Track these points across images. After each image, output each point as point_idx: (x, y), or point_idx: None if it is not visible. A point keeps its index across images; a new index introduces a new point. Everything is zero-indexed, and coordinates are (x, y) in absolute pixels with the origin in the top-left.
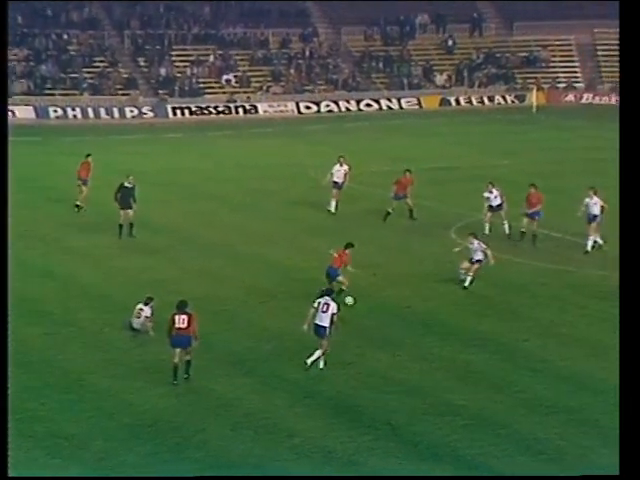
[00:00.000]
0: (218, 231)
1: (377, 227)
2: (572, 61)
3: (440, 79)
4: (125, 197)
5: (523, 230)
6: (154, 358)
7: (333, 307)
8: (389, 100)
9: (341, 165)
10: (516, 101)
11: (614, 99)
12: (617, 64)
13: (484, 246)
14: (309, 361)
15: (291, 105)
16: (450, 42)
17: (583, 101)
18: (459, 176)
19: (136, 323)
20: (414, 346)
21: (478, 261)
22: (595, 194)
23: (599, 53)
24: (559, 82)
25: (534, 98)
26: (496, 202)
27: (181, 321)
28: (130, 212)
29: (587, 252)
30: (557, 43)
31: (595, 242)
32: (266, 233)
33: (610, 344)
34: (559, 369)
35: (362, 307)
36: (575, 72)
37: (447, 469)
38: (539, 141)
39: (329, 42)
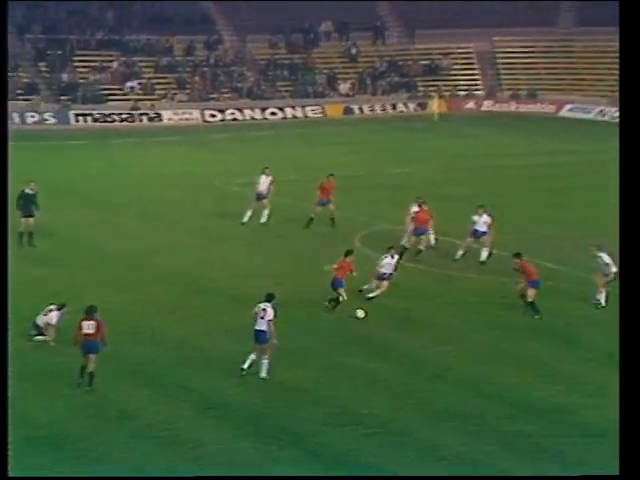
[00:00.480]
0: (122, 240)
1: (284, 236)
2: (472, 69)
3: (344, 87)
4: (27, 204)
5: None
6: (54, 367)
7: (270, 313)
8: (294, 108)
9: (267, 176)
10: (418, 109)
11: (513, 106)
12: (516, 72)
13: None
14: (244, 366)
15: (196, 113)
16: (353, 50)
17: (483, 108)
18: (362, 184)
19: (40, 320)
20: (321, 356)
21: (390, 275)
22: (484, 212)
23: (498, 61)
24: (460, 90)
25: (435, 106)
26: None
27: (89, 327)
28: (31, 220)
29: (483, 262)
30: (458, 51)
31: (491, 253)
32: (172, 242)
33: (510, 350)
34: (461, 376)
35: None
36: (475, 80)
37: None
38: (441, 149)
39: (234, 50)
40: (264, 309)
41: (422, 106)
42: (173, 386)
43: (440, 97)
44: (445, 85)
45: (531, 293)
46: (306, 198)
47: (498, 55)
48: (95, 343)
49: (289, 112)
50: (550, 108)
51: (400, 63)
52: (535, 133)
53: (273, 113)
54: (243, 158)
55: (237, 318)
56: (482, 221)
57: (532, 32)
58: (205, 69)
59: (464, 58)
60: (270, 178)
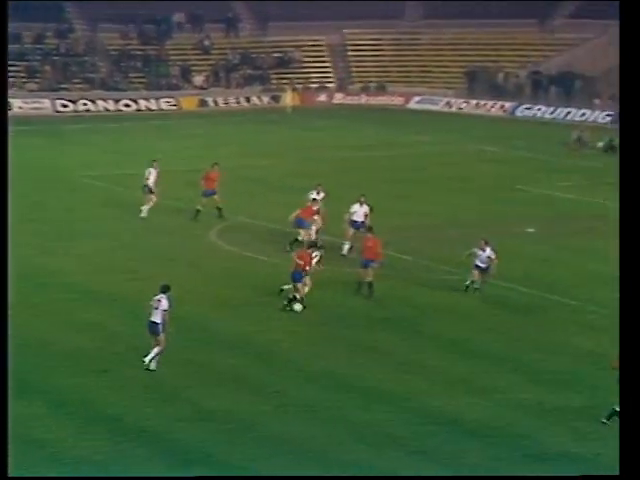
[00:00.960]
0: None
1: (137, 229)
2: (324, 62)
3: (198, 79)
4: None
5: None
6: None
7: (164, 304)
8: (148, 100)
9: (155, 169)
10: (272, 102)
11: (364, 99)
12: (366, 64)
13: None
14: (147, 359)
15: (47, 103)
16: (207, 42)
17: (335, 101)
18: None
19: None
20: (172, 351)
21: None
22: (364, 203)
23: (349, 54)
24: (312, 83)
25: (289, 99)
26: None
27: None
28: None
29: (344, 255)
30: (309, 44)
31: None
32: (17, 235)
33: (362, 340)
34: (314, 370)
35: (117, 311)
36: (327, 73)
37: (203, 471)
38: (295, 141)
39: (85, 39)
40: (159, 300)
41: (275, 99)
42: (21, 384)
43: (293, 90)
44: (298, 78)
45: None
46: (167, 193)
47: (348, 48)
48: None
49: (143, 104)
50: (399, 100)
51: (253, 56)
52: (385, 125)
53: (127, 105)
54: (98, 150)
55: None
56: (362, 212)
57: (381, 25)
58: (56, 58)
59: (316, 51)
60: (158, 170)
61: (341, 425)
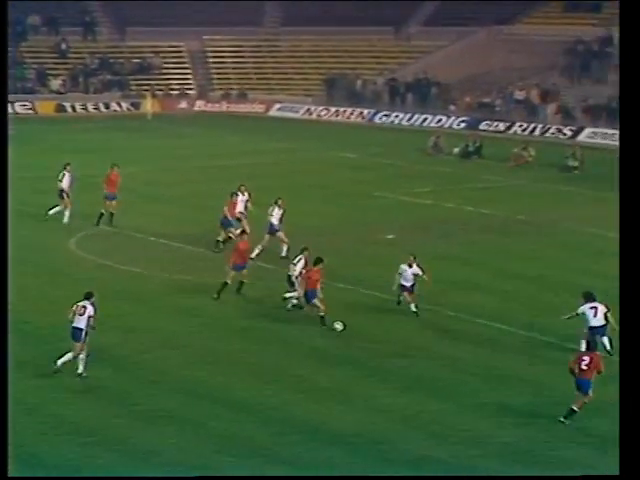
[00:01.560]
0: None
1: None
2: (184, 68)
3: (55, 84)
4: None
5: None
6: None
7: (90, 310)
8: None
9: (68, 172)
10: (132, 108)
11: (225, 106)
12: (226, 71)
13: None
14: (59, 362)
15: None
16: (64, 46)
17: (196, 108)
18: (81, 186)
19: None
20: (31, 364)
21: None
22: (277, 206)
23: (209, 60)
24: (172, 89)
25: (149, 105)
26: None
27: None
28: None
29: (285, 257)
30: (169, 50)
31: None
32: None
33: (227, 351)
34: (177, 379)
35: None
36: (187, 79)
37: None
38: (157, 149)
39: None
40: (84, 306)
41: (135, 105)
42: None
43: (153, 96)
44: (157, 84)
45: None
46: (23, 200)
47: (209, 54)
48: None
49: None
50: (260, 108)
51: (112, 61)
52: (246, 133)
53: None
54: None
55: None
56: (276, 213)
57: (240, 31)
58: None
59: (176, 57)
60: (72, 174)
61: (204, 436)
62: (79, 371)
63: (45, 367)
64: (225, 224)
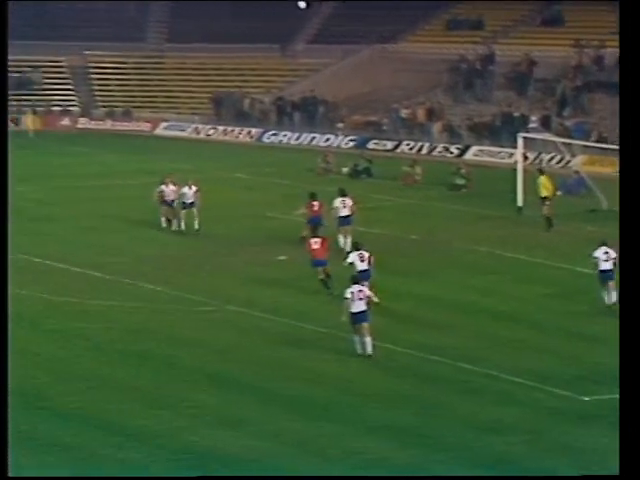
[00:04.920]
0: None
1: None
2: (66, 84)
3: None
4: None
5: None
6: None
7: None
8: None
9: None
10: (12, 124)
11: (109, 124)
12: (110, 88)
13: None
14: None
15: None
16: None
17: (79, 126)
18: None
19: None
20: None
21: None
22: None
23: (92, 76)
24: (54, 106)
25: (30, 122)
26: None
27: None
28: None
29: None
30: (49, 64)
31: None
32: None
33: (116, 376)
34: (66, 406)
35: None
36: (70, 96)
37: None
38: (43, 167)
39: None
40: None
41: (16, 122)
42: None
43: (34, 113)
44: (38, 100)
45: None
46: None
47: (91, 70)
48: None
49: None
50: (146, 126)
51: None
52: (131, 152)
53: None
54: None
55: None
56: (192, 192)
57: (124, 47)
58: None
59: (56, 72)
60: None
61: (94, 465)
62: None
63: None
64: (314, 222)
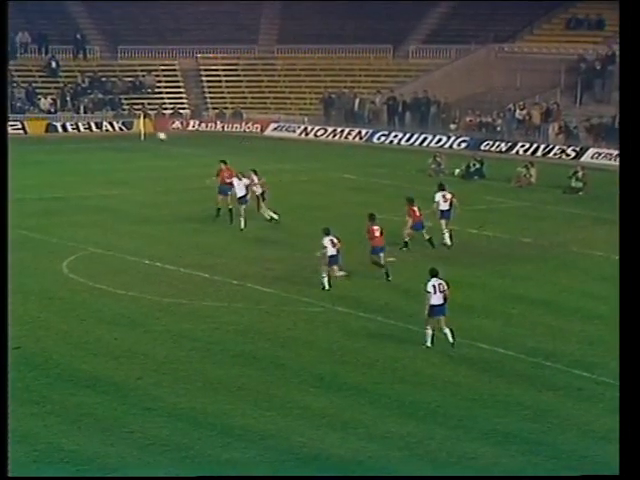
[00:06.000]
0: None
1: None
2: (178, 87)
3: (45, 103)
4: None
5: None
6: None
7: None
8: None
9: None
10: (124, 128)
11: (219, 125)
12: (221, 90)
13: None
14: None
15: None
16: (54, 64)
17: (190, 128)
18: (66, 207)
19: None
20: (24, 389)
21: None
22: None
23: (203, 79)
24: (165, 108)
25: (141, 125)
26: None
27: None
28: None
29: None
30: (162, 68)
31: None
32: None
33: (224, 377)
34: (172, 406)
35: None
36: (181, 98)
37: None
38: (150, 169)
39: None
40: None
41: (128, 125)
42: None
43: (145, 116)
44: (150, 103)
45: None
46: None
47: (202, 73)
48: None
49: None
50: (255, 127)
51: (103, 79)
52: (241, 153)
53: None
54: None
55: None
56: (242, 184)
57: (235, 50)
58: None
59: (169, 75)
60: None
61: (200, 465)
62: None
63: (37, 393)
64: (418, 227)
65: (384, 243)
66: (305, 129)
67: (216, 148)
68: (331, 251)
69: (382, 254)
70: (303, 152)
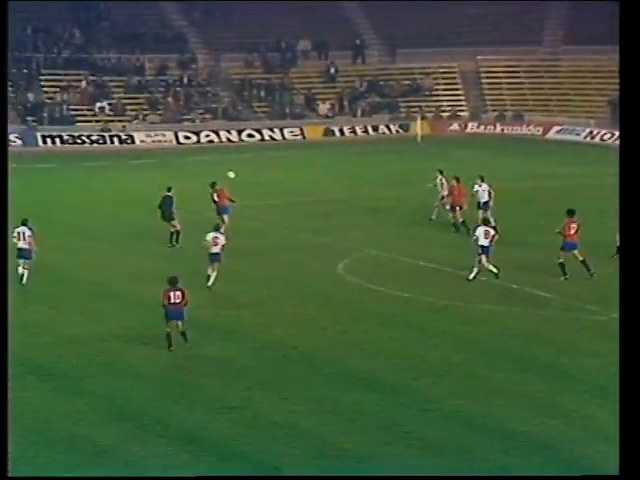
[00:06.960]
0: (97, 269)
1: (257, 263)
2: (456, 89)
3: (323, 108)
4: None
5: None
6: None
7: (28, 232)
8: (271, 130)
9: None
10: (400, 130)
11: (499, 128)
12: (501, 92)
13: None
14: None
15: (169, 135)
16: (332, 70)
17: (468, 130)
18: (345, 208)
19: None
20: (302, 388)
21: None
22: (482, 181)
23: (483, 81)
24: (443, 111)
25: (418, 127)
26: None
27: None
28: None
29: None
30: (440, 71)
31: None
32: (146, 269)
33: (504, 382)
34: (449, 408)
35: (245, 347)
36: (459, 101)
37: None
38: (425, 172)
39: (208, 69)
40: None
41: (404, 127)
42: (155, 421)
43: (423, 118)
44: (427, 106)
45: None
46: (292, 225)
47: (482, 75)
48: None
49: (267, 134)
50: (537, 130)
51: (381, 83)
52: (522, 156)
53: (250, 135)
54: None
55: None
56: (482, 189)
57: (517, 51)
58: (178, 89)
59: (447, 78)
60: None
61: (480, 469)
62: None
63: (314, 391)
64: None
65: (577, 240)
66: (591, 132)
67: (495, 151)
68: (483, 241)
69: (576, 251)
70: (589, 156)
